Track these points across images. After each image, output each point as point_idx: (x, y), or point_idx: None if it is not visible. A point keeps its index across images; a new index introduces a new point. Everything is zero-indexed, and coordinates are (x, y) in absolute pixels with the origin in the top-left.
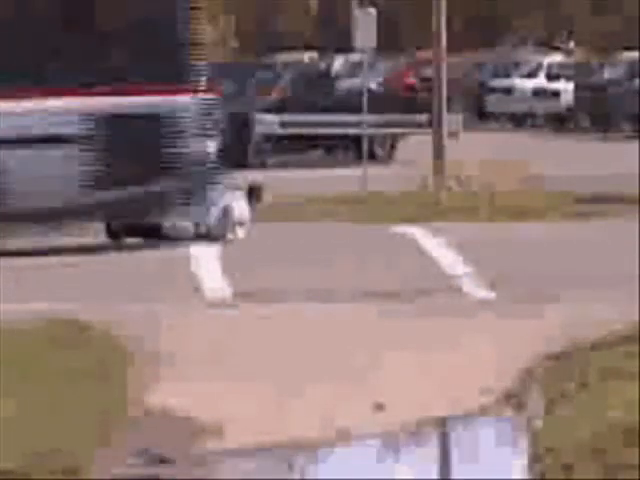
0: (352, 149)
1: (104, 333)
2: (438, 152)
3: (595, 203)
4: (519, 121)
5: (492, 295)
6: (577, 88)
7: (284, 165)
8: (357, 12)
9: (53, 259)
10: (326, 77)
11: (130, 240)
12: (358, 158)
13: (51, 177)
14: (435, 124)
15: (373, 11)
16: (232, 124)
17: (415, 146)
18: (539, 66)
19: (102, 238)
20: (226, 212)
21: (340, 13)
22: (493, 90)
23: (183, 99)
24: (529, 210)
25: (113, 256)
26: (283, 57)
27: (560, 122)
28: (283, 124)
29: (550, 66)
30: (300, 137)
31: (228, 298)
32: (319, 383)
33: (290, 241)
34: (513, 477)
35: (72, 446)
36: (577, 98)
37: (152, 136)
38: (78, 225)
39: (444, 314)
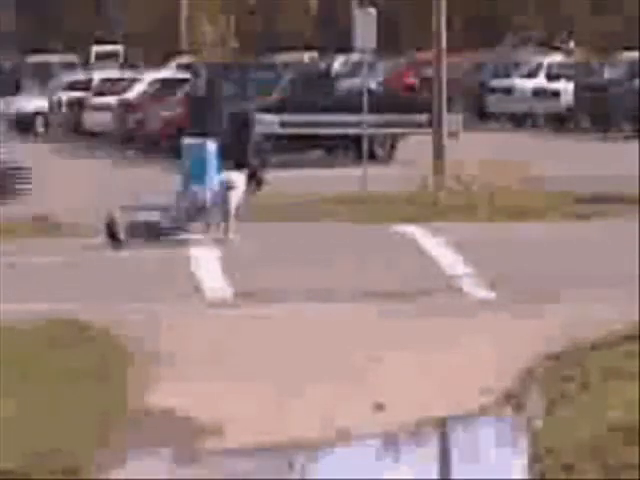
0: (352, 149)
1: (104, 333)
2: (438, 152)
3: (595, 203)
4: (519, 121)
5: (492, 295)
6: (577, 88)
7: (284, 165)
8: (357, 12)
9: (53, 259)
10: (326, 77)
11: (130, 240)
12: (358, 158)
13: None
14: (435, 124)
15: (373, 11)
16: (232, 124)
17: (415, 146)
18: (539, 66)
19: (102, 238)
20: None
21: (340, 13)
22: (493, 90)
23: None
24: (529, 210)
25: (113, 256)
26: (283, 57)
27: (560, 122)
28: (283, 124)
29: (550, 66)
30: (300, 137)
31: (228, 298)
32: (319, 383)
33: (290, 241)
34: (513, 477)
35: (72, 446)
36: (577, 98)
37: None
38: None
39: (444, 314)
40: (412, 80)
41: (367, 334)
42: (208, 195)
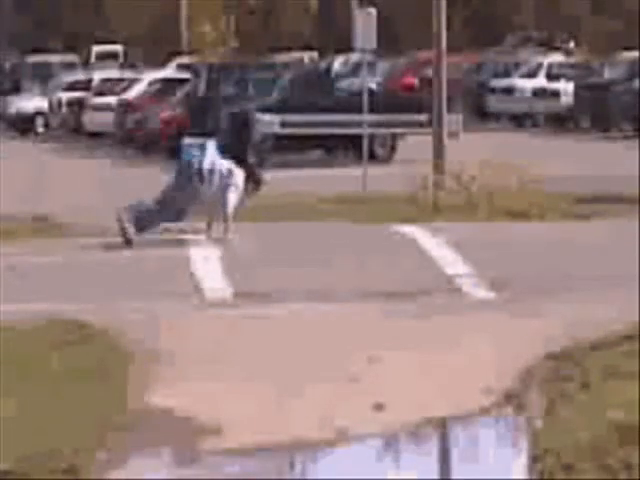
0: (352, 149)
1: (104, 333)
2: (438, 152)
3: (595, 203)
4: (519, 121)
5: (492, 295)
6: (577, 88)
7: (284, 165)
8: (357, 12)
9: (53, 259)
10: (326, 77)
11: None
12: (358, 158)
13: None
14: (435, 124)
15: (373, 11)
16: (232, 124)
17: (415, 146)
18: (539, 66)
19: (102, 238)
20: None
21: (340, 13)
22: (493, 90)
23: None
24: (529, 210)
25: (113, 256)
26: (283, 57)
27: (560, 122)
28: (283, 124)
29: (550, 66)
30: (300, 137)
31: (228, 298)
32: (319, 383)
33: (290, 241)
34: (513, 477)
35: (72, 446)
36: (577, 98)
37: None
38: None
39: (444, 314)
40: (412, 80)
41: (367, 334)
42: (207, 190)
